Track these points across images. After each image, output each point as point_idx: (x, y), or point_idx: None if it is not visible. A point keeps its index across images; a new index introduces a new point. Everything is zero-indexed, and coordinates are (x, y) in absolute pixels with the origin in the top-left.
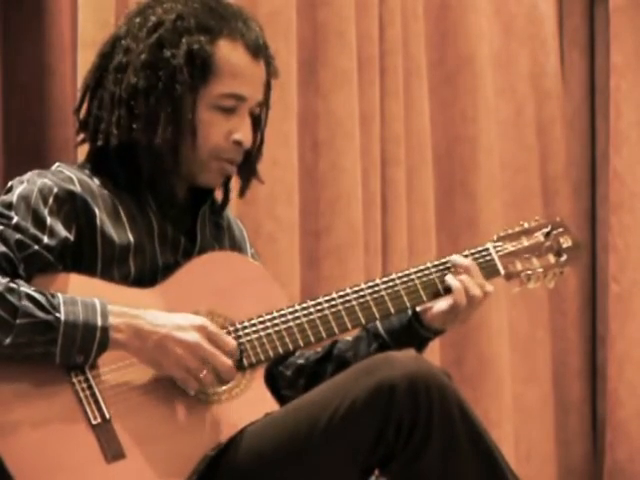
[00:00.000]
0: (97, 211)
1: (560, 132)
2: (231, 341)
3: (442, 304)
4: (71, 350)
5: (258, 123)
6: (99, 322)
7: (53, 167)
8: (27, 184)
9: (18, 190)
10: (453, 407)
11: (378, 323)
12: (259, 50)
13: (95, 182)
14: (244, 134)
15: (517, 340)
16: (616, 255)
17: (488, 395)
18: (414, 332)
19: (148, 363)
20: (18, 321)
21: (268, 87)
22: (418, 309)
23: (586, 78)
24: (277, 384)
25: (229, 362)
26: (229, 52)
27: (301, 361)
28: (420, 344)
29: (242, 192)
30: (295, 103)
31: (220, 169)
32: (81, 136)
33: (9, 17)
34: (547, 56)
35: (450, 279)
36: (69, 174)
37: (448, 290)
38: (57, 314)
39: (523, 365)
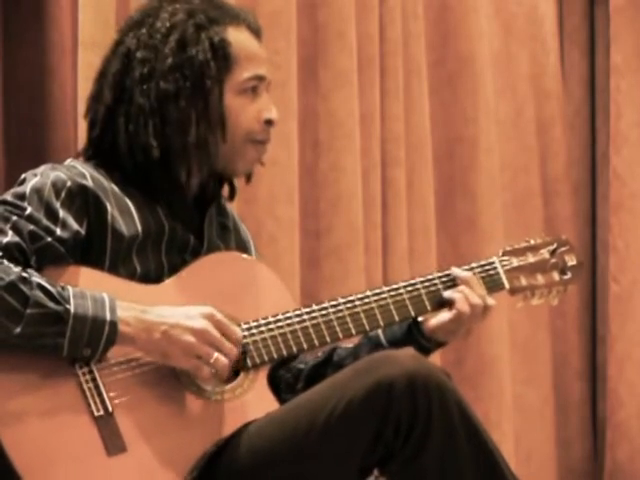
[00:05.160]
0: (109, 207)
1: (560, 132)
2: (238, 330)
3: (445, 315)
4: (79, 343)
5: None
6: (108, 316)
7: (66, 162)
8: (40, 177)
9: (31, 182)
10: (452, 406)
11: (380, 331)
12: (260, 31)
13: (107, 179)
14: (274, 112)
15: (517, 340)
16: (616, 255)
17: (488, 395)
18: (415, 342)
19: (157, 356)
20: (28, 311)
21: None
22: (420, 319)
23: (586, 78)
24: (277, 387)
25: (235, 349)
26: (239, 37)
27: (301, 365)
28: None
29: (248, 179)
30: (295, 103)
31: (256, 152)
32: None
33: (9, 17)
34: (547, 56)
35: (449, 293)
36: (82, 170)
37: (449, 303)
38: (67, 306)
39: (523, 365)
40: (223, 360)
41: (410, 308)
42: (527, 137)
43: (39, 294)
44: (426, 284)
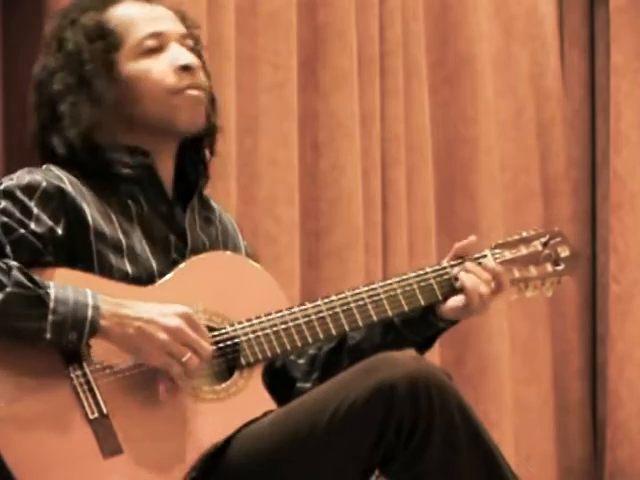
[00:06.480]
0: (87, 209)
1: (560, 132)
2: (207, 334)
3: (458, 299)
4: (63, 326)
5: (199, 58)
6: (90, 302)
7: (43, 167)
8: (16, 180)
9: (5, 184)
10: (453, 407)
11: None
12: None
13: (83, 183)
14: (187, 57)
15: (517, 340)
16: (616, 255)
17: (488, 395)
18: (430, 323)
19: (130, 351)
20: (8, 289)
21: (184, 21)
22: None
23: (586, 78)
24: (291, 374)
25: (210, 348)
26: (119, 11)
27: (313, 351)
28: (435, 334)
29: (212, 152)
30: (295, 103)
31: (188, 98)
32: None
33: (9, 17)
34: (547, 56)
35: (463, 276)
36: (59, 173)
37: (456, 292)
38: (48, 290)
39: (523, 365)
40: (195, 360)
41: (403, 303)
42: (527, 137)
43: (19, 276)
44: (418, 279)
